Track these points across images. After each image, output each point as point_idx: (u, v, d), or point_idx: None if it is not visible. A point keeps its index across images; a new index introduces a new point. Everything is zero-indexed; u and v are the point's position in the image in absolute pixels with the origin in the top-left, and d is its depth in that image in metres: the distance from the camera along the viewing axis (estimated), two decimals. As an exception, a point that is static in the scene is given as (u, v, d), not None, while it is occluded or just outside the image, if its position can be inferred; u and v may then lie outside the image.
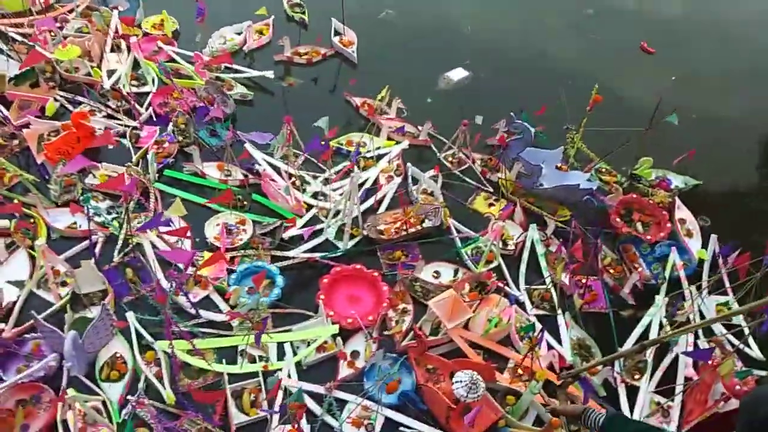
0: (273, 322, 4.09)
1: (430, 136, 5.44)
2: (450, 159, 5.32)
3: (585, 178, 5.00)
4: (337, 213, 4.64)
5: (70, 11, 6.04)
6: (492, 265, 4.54)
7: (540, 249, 4.64)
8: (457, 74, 6.24)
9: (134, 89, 5.42)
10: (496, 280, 4.37)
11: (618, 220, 4.88)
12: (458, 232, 4.76)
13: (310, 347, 3.93)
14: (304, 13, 6.67)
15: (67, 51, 5.28)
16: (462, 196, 5.08)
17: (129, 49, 5.64)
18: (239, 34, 6.28)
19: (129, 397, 3.59)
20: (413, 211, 4.70)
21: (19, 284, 4.02)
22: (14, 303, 3.90)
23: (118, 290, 4.01)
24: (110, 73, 5.51)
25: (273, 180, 4.82)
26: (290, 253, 4.40)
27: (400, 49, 6.60)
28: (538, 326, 4.14)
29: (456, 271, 4.52)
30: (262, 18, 6.31)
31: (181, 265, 3.99)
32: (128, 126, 5.12)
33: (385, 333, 4.05)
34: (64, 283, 4.03)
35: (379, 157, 5.25)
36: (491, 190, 5.14)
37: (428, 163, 5.27)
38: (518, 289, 4.44)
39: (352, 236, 4.60)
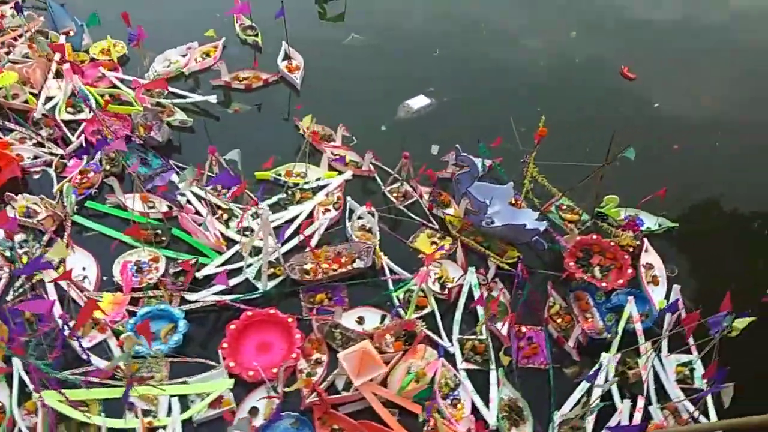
0: (171, 371, 3.74)
1: (375, 167, 5.08)
2: (395, 192, 4.94)
3: (533, 218, 4.55)
4: (259, 251, 4.29)
5: (19, 36, 5.91)
6: (425, 311, 4.12)
7: (478, 294, 4.19)
8: (418, 102, 5.88)
9: (69, 116, 5.21)
10: (425, 329, 3.97)
11: (572, 263, 4.40)
12: (392, 273, 4.36)
13: (202, 402, 3.56)
14: (257, 35, 6.43)
15: (3, 77, 5.12)
16: (405, 232, 4.69)
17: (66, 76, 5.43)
18: (185, 56, 6.07)
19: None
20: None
21: None
22: None
23: (16, 330, 3.71)
24: (49, 99, 5.33)
25: (196, 213, 4.52)
26: (197, 296, 4.06)
27: (361, 74, 6.29)
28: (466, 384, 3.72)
29: (383, 318, 4.11)
30: (210, 40, 6.11)
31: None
32: (55, 155, 4.90)
33: (286, 389, 3.64)
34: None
35: (319, 188, 4.90)
36: (436, 226, 4.73)
37: (372, 196, 4.90)
38: (450, 339, 4.00)
39: (274, 276, 4.26)
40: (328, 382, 3.71)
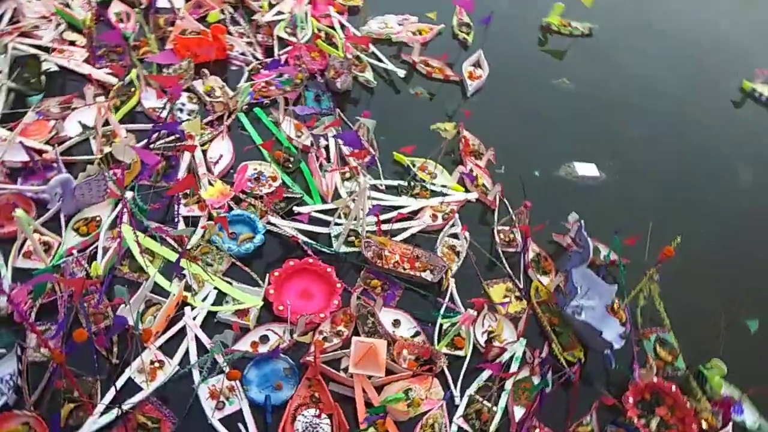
0: (227, 271, 4.18)
1: (500, 203, 5.01)
2: (503, 234, 4.83)
3: (617, 332, 4.16)
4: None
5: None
6: (457, 352, 4.04)
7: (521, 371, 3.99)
8: (586, 170, 5.58)
9: (285, 36, 5.86)
10: (445, 366, 3.91)
11: (633, 401, 3.96)
12: (450, 300, 4.32)
13: (231, 306, 3.95)
14: (469, 34, 6.57)
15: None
16: (488, 273, 4.59)
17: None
18: (400, 25, 6.42)
19: (75, 252, 3.98)
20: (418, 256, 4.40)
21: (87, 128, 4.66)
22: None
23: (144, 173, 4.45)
24: (279, 13, 6.05)
25: (326, 159, 4.87)
26: (280, 222, 4.42)
27: (546, 115, 6.12)
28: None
29: (416, 333, 4.11)
30: (430, 22, 6.42)
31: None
32: (257, 59, 5.58)
33: (296, 337, 3.86)
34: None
35: (437, 193, 4.97)
36: (520, 286, 4.55)
37: (480, 225, 4.86)
38: (461, 392, 3.89)
39: (351, 243, 4.47)
40: (334, 356, 3.85)
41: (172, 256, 4.07)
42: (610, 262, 4.69)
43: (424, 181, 5.01)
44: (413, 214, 4.76)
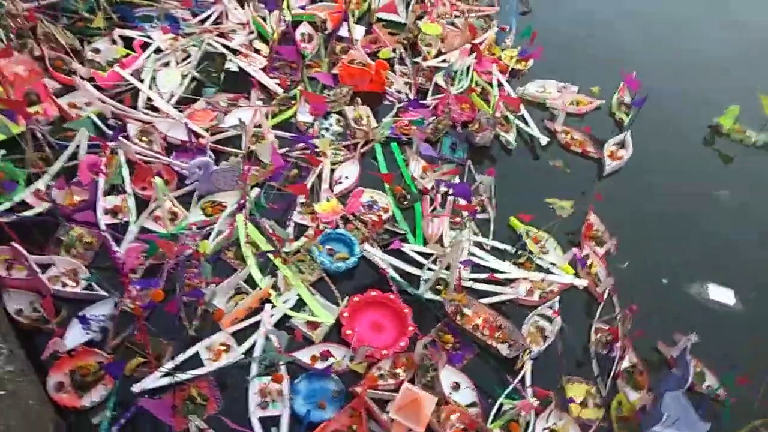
0: (314, 283, 4.37)
1: (608, 298, 4.65)
2: (599, 334, 4.46)
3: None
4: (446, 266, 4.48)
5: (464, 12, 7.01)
6: (509, 437, 3.80)
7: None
8: (722, 295, 4.96)
9: (442, 82, 6.07)
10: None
11: None
12: (521, 382, 4.07)
13: (305, 315, 4.11)
14: (627, 115, 6.23)
15: (431, 27, 6.24)
16: (570, 367, 4.25)
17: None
18: (559, 92, 6.31)
19: (194, 227, 4.43)
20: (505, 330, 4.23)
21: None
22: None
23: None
24: (442, 61, 6.30)
25: (441, 204, 4.91)
26: (373, 251, 4.52)
27: (691, 220, 5.56)
28: None
29: (472, 404, 3.93)
30: (592, 96, 6.28)
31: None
32: (406, 99, 5.83)
33: (352, 365, 3.90)
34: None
35: (543, 269, 4.75)
36: (603, 393, 4.15)
37: (580, 317, 4.55)
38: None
39: (437, 292, 4.43)
40: (383, 395, 3.82)
41: (267, 249, 4.37)
42: (715, 397, 4.12)
43: (532, 253, 4.83)
44: (509, 282, 4.60)
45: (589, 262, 4.79)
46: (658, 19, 8.15)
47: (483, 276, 4.55)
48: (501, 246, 4.88)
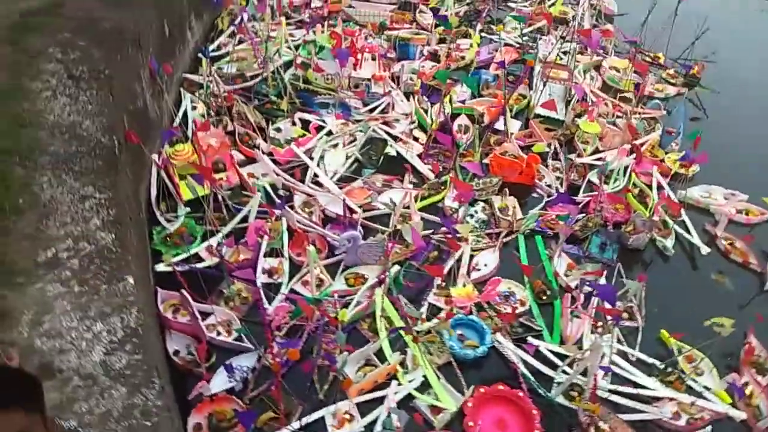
0: (442, 368, 4.36)
1: None
2: None
3: None
4: (583, 373, 4.23)
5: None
6: None
7: None
8: None
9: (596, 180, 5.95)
10: None
11: None
12: None
13: (428, 397, 4.10)
14: None
15: (592, 126, 6.24)
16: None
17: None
18: (726, 199, 5.90)
19: (336, 295, 4.69)
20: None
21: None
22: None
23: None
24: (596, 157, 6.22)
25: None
26: (506, 344, 4.44)
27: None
28: None
29: None
30: (765, 207, 5.83)
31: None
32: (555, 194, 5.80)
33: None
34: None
35: (695, 392, 4.28)
36: None
37: None
38: None
39: (570, 398, 4.18)
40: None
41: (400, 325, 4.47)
42: None
43: (684, 372, 4.40)
44: (653, 400, 4.20)
45: (748, 391, 4.24)
46: None
47: (624, 389, 4.23)
48: (648, 359, 4.51)
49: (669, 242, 5.35)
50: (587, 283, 4.58)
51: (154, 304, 4.36)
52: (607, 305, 4.20)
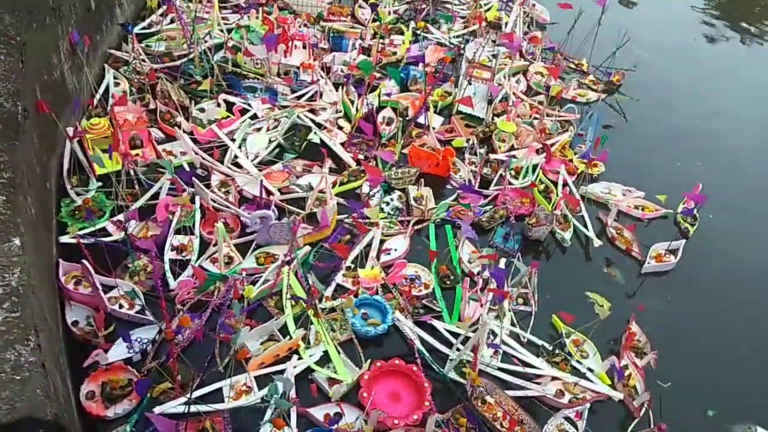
0: (345, 345, 4.52)
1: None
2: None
3: None
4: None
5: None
6: None
7: None
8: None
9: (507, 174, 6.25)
10: None
11: None
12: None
13: (326, 371, 4.25)
14: (693, 226, 6.17)
15: (508, 125, 6.53)
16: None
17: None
18: (624, 195, 6.35)
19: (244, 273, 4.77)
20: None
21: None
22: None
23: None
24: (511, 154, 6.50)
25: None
26: (405, 322, 4.64)
27: (752, 348, 5.17)
28: None
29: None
30: (659, 204, 6.22)
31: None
32: (470, 185, 6.04)
33: (363, 428, 3.92)
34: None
35: (579, 373, 4.59)
36: None
37: (610, 428, 4.32)
38: None
39: (461, 372, 4.41)
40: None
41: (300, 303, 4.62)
42: None
43: (570, 354, 4.70)
44: (537, 377, 4.48)
45: (627, 373, 4.58)
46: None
47: (512, 368, 4.49)
48: (538, 341, 4.80)
49: (567, 235, 5.68)
50: (486, 267, 4.83)
51: (50, 271, 4.30)
52: (498, 286, 4.45)
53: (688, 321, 5.25)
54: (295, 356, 4.31)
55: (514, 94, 7.48)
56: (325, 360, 4.35)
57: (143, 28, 7.40)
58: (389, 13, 8.69)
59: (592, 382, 4.55)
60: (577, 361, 4.69)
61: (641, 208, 6.22)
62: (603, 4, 7.79)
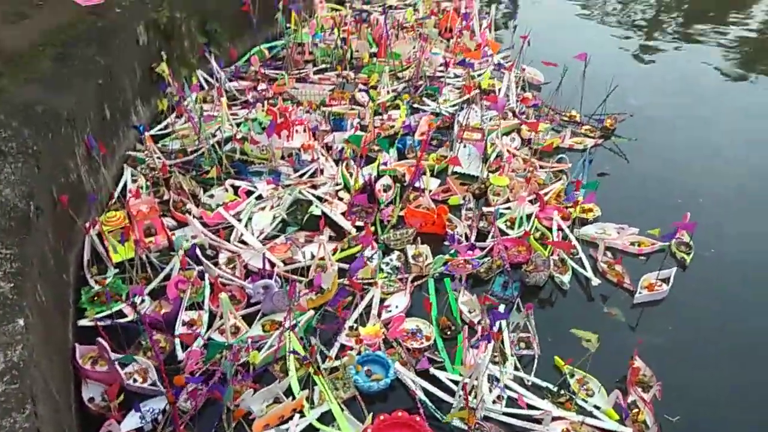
0: (350, 403, 4.64)
1: None
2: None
3: None
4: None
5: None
6: None
7: None
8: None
9: (504, 226, 6.42)
10: None
11: None
12: None
13: (330, 428, 4.35)
14: (688, 255, 6.16)
15: (500, 179, 6.79)
16: None
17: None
18: (618, 233, 6.43)
19: (250, 341, 4.98)
20: None
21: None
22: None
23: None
24: (506, 207, 6.70)
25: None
26: (406, 374, 4.75)
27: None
28: None
29: None
30: (654, 238, 6.25)
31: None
32: (467, 240, 6.23)
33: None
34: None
35: (585, 412, 4.55)
36: None
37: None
38: None
39: (463, 420, 4.41)
40: None
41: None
42: None
43: (575, 393, 4.68)
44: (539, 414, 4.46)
45: (635, 410, 4.54)
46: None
47: (519, 412, 4.50)
48: (543, 384, 4.80)
49: (566, 278, 5.76)
50: (490, 311, 4.96)
51: (63, 353, 4.61)
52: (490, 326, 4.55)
53: (691, 351, 5.21)
54: (298, 416, 4.42)
55: (508, 150, 7.80)
56: (327, 418, 4.45)
57: (159, 130, 8.09)
58: (387, 92, 9.29)
59: (599, 419, 4.51)
60: (583, 400, 4.66)
61: (637, 243, 6.28)
62: (584, 59, 8.20)
